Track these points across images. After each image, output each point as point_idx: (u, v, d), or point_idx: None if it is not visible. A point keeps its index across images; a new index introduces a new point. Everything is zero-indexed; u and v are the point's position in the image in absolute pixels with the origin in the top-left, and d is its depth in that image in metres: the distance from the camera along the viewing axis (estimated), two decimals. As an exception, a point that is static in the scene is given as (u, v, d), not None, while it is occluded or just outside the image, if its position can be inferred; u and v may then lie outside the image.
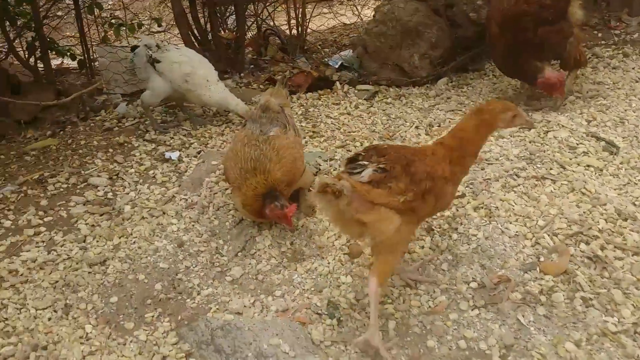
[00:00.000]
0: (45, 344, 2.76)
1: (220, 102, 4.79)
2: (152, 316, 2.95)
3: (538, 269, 2.90)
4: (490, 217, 3.24)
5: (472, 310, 2.81)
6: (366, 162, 2.50)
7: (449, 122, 4.65)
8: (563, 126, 4.11)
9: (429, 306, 2.87)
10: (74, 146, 4.82)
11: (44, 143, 4.95)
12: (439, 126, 4.61)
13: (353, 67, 5.97)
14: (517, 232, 3.12)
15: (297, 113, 5.20)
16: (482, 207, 3.32)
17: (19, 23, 6.16)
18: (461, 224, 3.24)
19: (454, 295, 2.90)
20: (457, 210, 3.35)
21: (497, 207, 3.28)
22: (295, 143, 3.47)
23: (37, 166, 4.54)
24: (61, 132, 5.19)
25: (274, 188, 3.24)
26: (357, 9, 6.99)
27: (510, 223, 3.17)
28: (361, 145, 4.41)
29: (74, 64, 6.67)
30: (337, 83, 5.72)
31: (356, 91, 5.61)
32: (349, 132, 4.73)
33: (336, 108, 5.27)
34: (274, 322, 2.72)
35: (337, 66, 5.93)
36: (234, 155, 3.38)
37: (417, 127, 4.66)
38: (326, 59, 6.14)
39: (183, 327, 2.81)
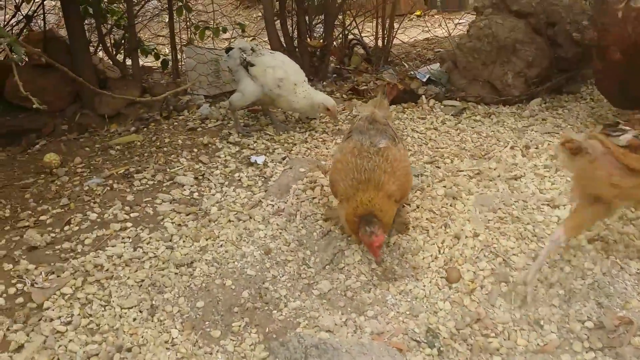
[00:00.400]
0: (130, 346, 2.67)
1: (306, 100, 4.65)
2: (239, 326, 2.83)
3: (666, 313, 2.60)
4: (607, 251, 2.95)
5: (587, 352, 2.54)
6: (628, 128, 2.53)
7: (548, 144, 4.35)
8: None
9: (538, 344, 2.62)
10: (158, 144, 4.81)
11: (129, 138, 4.97)
12: (537, 148, 4.32)
13: (440, 82, 5.75)
14: (638, 269, 2.82)
15: (381, 125, 5.03)
16: (597, 239, 3.04)
17: (109, 21, 6.31)
18: (574, 255, 2.96)
19: (566, 334, 2.64)
20: (569, 240, 3.07)
21: (615, 241, 2.99)
22: (405, 156, 3.29)
23: (122, 161, 4.54)
24: (145, 129, 5.21)
25: (372, 212, 2.99)
26: (445, 24, 6.76)
27: (631, 259, 2.88)
28: (451, 162, 4.20)
29: (157, 63, 6.74)
30: (423, 97, 5.52)
31: (442, 106, 5.40)
32: (437, 147, 4.51)
33: (422, 122, 5.07)
34: (371, 345, 2.53)
35: (424, 80, 5.72)
36: (344, 166, 3.17)
37: (512, 148, 4.39)
38: (412, 72, 5.94)
39: (273, 341, 2.66)
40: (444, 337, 2.67)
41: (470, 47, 5.45)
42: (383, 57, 6.39)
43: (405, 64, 6.61)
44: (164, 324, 2.83)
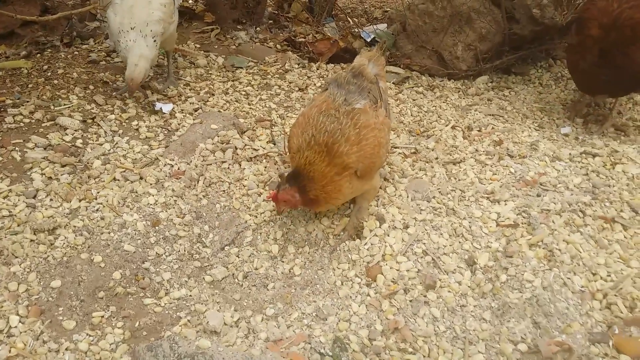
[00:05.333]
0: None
1: (125, 54, 3.50)
2: (102, 316, 2.24)
3: (611, 343, 2.24)
4: (550, 261, 2.56)
5: (516, 380, 2.16)
6: None
7: (492, 128, 3.94)
8: (632, 159, 3.43)
9: (461, 364, 2.21)
10: (49, 74, 4.02)
11: (15, 64, 4.14)
12: (479, 131, 3.90)
13: (385, 45, 5.20)
14: (583, 287, 2.45)
15: (315, 85, 4.47)
16: (540, 246, 2.64)
17: None
18: (512, 263, 2.56)
19: (495, 356, 2.24)
20: (509, 243, 2.66)
21: (560, 250, 2.59)
22: (383, 125, 2.69)
23: (0, 90, 3.74)
24: (38, 55, 4.38)
25: (302, 174, 2.49)
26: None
27: (575, 274, 2.50)
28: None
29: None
30: (365, 59, 4.96)
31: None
32: (373, 118, 4.00)
33: (360, 87, 4.53)
34: (263, 358, 2.01)
35: (368, 40, 5.17)
36: (305, 121, 2.61)
37: (453, 127, 3.95)
38: (356, 30, 5.36)
39: (140, 343, 2.10)
40: (354, 350, 2.20)
41: (422, 9, 4.92)
42: (327, 8, 5.75)
43: (350, 20, 6.00)
44: (1, 306, 2.19)
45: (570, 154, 3.46)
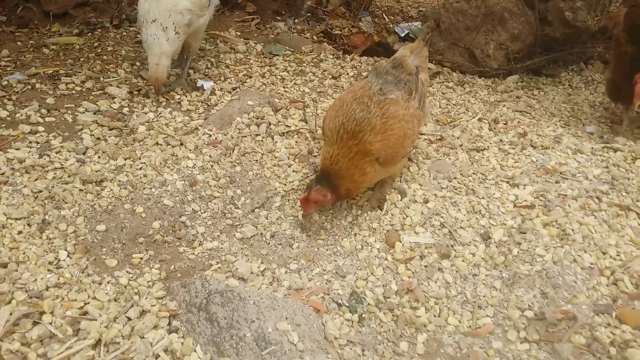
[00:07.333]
0: (6, 261, 2.27)
1: (147, 46, 3.49)
2: (141, 258, 2.46)
3: (614, 314, 2.35)
4: (562, 240, 2.68)
5: (521, 343, 2.28)
6: None
7: (518, 122, 4.05)
8: (654, 156, 3.50)
9: (469, 326, 2.35)
10: (99, 50, 4.30)
11: (68, 40, 4.44)
12: (505, 124, 4.02)
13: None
14: (592, 264, 2.57)
15: (348, 74, 4.65)
16: (554, 225, 2.76)
17: None
18: (525, 239, 2.68)
19: (503, 320, 2.37)
20: (524, 222, 2.79)
21: (573, 230, 2.71)
22: (412, 117, 2.80)
23: (54, 62, 4.02)
24: (89, 34, 4.66)
25: (330, 173, 2.65)
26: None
27: (586, 252, 2.61)
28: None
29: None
30: (398, 53, 5.13)
31: (416, 67, 5.03)
32: (402, 107, 4.15)
33: (391, 79, 4.69)
34: (284, 301, 2.19)
35: (402, 35, 5.33)
36: (340, 105, 2.76)
37: (480, 120, 4.07)
38: (391, 25, 5.53)
39: (175, 281, 2.30)
40: (369, 304, 2.37)
41: (456, 7, 5.07)
42: (364, 4, 5.93)
43: (385, 16, 6.18)
44: (53, 243, 2.43)
45: (592, 148, 3.56)
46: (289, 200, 2.95)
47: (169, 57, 3.46)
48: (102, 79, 3.79)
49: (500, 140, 3.71)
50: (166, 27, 3.40)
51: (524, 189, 3.09)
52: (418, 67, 3.03)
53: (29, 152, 2.93)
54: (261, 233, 2.74)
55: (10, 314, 2.04)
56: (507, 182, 3.17)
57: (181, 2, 3.48)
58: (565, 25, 4.91)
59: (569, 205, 2.90)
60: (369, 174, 2.69)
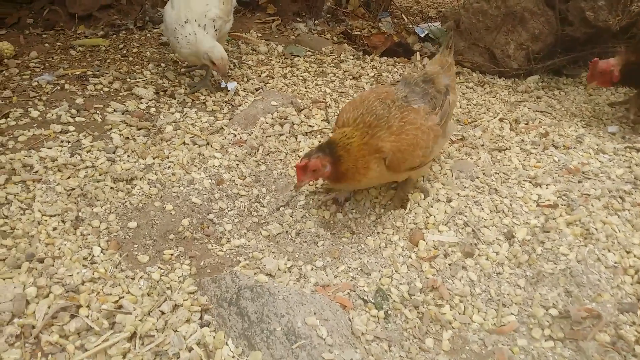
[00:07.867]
0: (42, 256, 2.35)
1: (190, 47, 3.59)
2: (172, 254, 2.52)
3: (639, 313, 2.36)
4: (586, 239, 2.70)
5: (546, 340, 2.31)
6: None
7: (539, 122, 4.06)
8: (677, 157, 3.50)
9: (494, 323, 2.38)
10: (124, 52, 4.39)
11: (94, 41, 4.53)
12: (527, 124, 4.03)
13: (438, 41, 5.39)
14: (616, 262, 2.58)
15: (368, 75, 4.68)
16: (577, 225, 2.78)
17: None
18: (549, 238, 2.70)
19: (527, 318, 2.40)
20: (547, 221, 2.81)
21: (596, 229, 2.73)
22: (429, 130, 2.78)
23: (81, 63, 4.12)
24: (114, 36, 4.76)
25: (336, 145, 2.58)
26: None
27: (609, 251, 2.63)
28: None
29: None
30: (417, 54, 5.16)
31: (436, 67, 5.05)
32: (423, 107, 4.18)
33: (411, 80, 4.72)
34: (312, 297, 2.24)
35: (422, 35, 5.35)
36: (360, 101, 2.80)
37: (501, 120, 4.09)
38: (411, 26, 5.56)
39: (205, 277, 2.36)
40: (394, 301, 2.41)
41: (477, 7, 5.08)
42: (384, 4, 5.97)
43: (405, 17, 6.21)
44: (86, 239, 2.50)
45: (614, 148, 3.56)
46: (313, 199, 3.00)
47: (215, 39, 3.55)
48: (128, 79, 3.87)
49: (522, 140, 3.72)
50: (205, 25, 3.55)
51: (547, 188, 3.11)
52: (448, 86, 3.03)
53: (61, 151, 3.01)
54: (287, 231, 2.80)
55: (49, 307, 2.11)
56: (530, 182, 3.19)
57: (212, 10, 3.60)
58: (586, 25, 4.90)
59: (592, 205, 2.91)
60: (371, 170, 2.66)
